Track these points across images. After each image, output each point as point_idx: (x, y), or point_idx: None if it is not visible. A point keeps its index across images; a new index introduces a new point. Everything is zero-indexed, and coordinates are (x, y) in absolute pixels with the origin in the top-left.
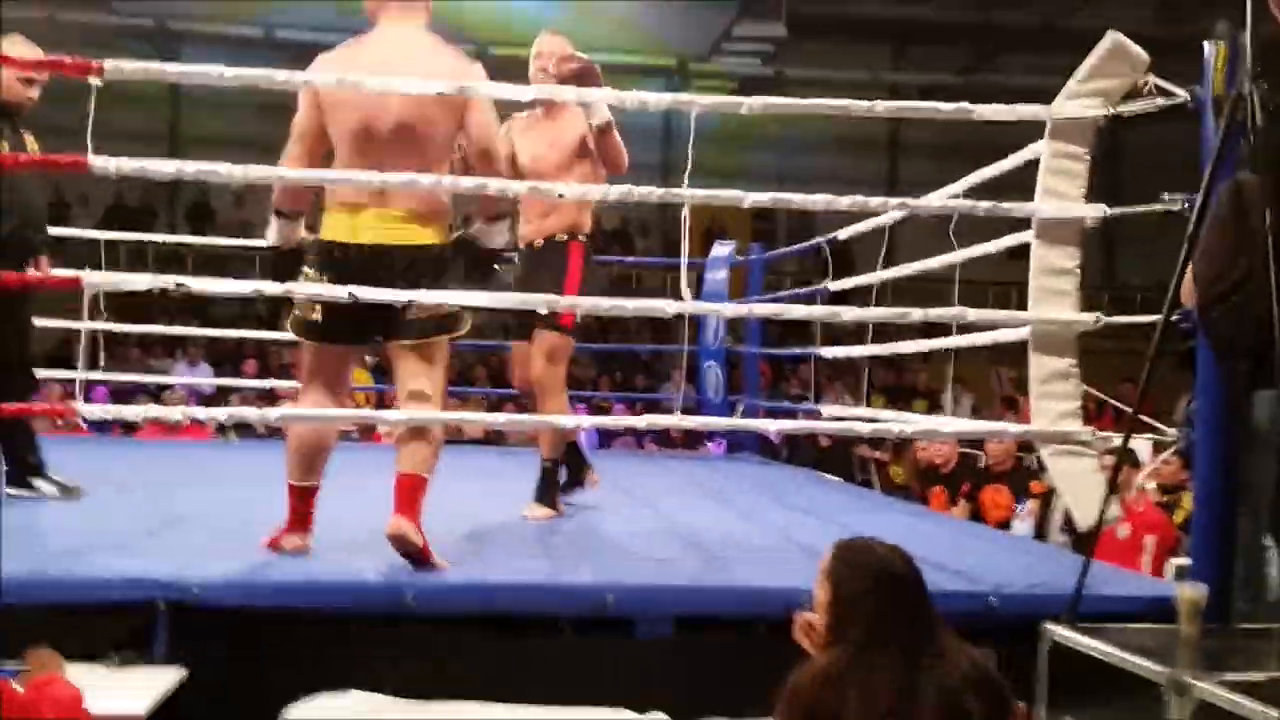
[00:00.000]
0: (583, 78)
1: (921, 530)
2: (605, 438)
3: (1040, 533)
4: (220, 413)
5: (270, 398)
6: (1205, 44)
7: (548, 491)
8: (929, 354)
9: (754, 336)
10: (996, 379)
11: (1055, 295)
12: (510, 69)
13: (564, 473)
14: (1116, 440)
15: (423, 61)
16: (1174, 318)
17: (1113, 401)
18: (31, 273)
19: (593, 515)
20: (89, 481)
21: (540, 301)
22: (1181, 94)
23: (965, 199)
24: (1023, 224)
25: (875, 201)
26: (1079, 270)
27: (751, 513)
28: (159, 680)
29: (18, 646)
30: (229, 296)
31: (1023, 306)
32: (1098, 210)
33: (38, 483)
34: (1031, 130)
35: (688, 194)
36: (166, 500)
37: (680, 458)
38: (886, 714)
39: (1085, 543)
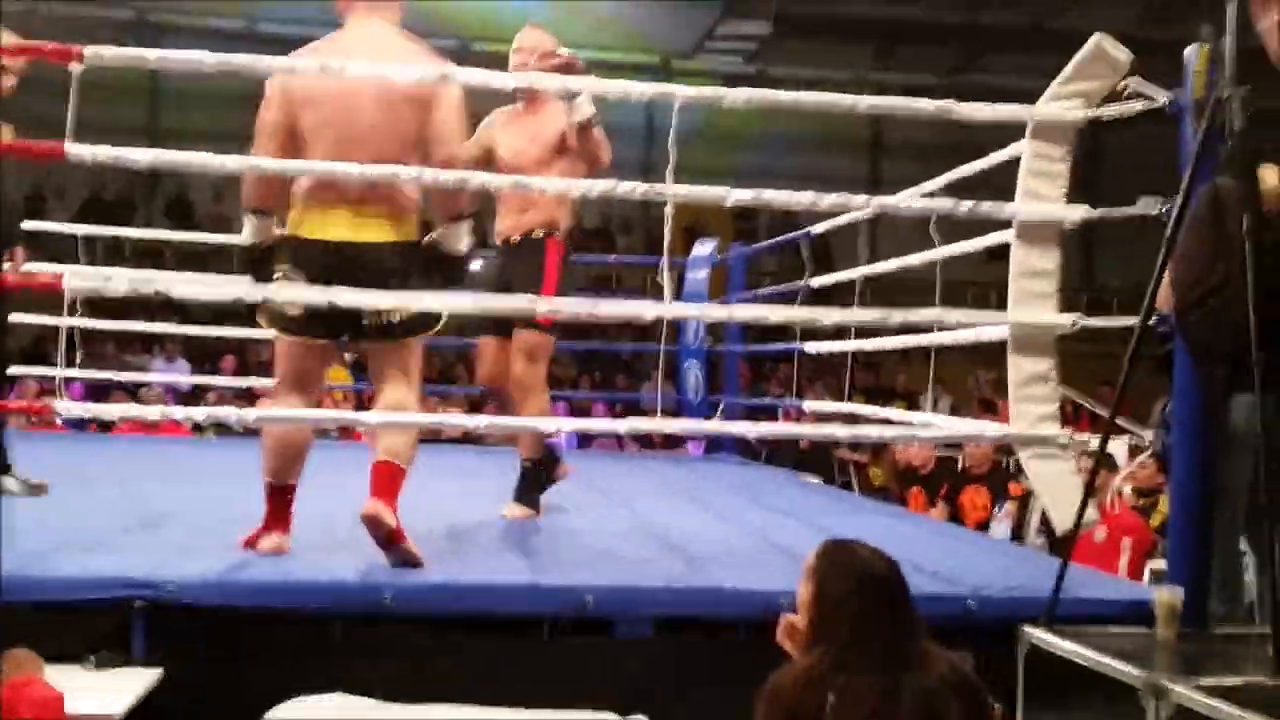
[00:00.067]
0: (566, 73)
1: (900, 532)
2: (584, 438)
3: (1018, 534)
4: (198, 413)
5: (248, 396)
6: (1187, 48)
7: (527, 491)
8: (908, 356)
9: (734, 336)
10: (975, 381)
11: (1035, 297)
12: (494, 65)
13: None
14: (1094, 443)
15: (394, 60)
16: (1151, 321)
17: (1089, 404)
18: (7, 267)
19: (572, 516)
20: (65, 479)
21: (519, 304)
22: (1161, 97)
23: (945, 198)
24: (1002, 224)
25: (857, 200)
26: (1059, 272)
27: (730, 514)
28: (136, 681)
29: None
30: (212, 300)
31: (1002, 307)
32: (1078, 212)
33: (4, 480)
34: (1015, 131)
35: (670, 191)
36: (143, 498)
37: (659, 458)
38: (868, 716)
39: (1063, 545)
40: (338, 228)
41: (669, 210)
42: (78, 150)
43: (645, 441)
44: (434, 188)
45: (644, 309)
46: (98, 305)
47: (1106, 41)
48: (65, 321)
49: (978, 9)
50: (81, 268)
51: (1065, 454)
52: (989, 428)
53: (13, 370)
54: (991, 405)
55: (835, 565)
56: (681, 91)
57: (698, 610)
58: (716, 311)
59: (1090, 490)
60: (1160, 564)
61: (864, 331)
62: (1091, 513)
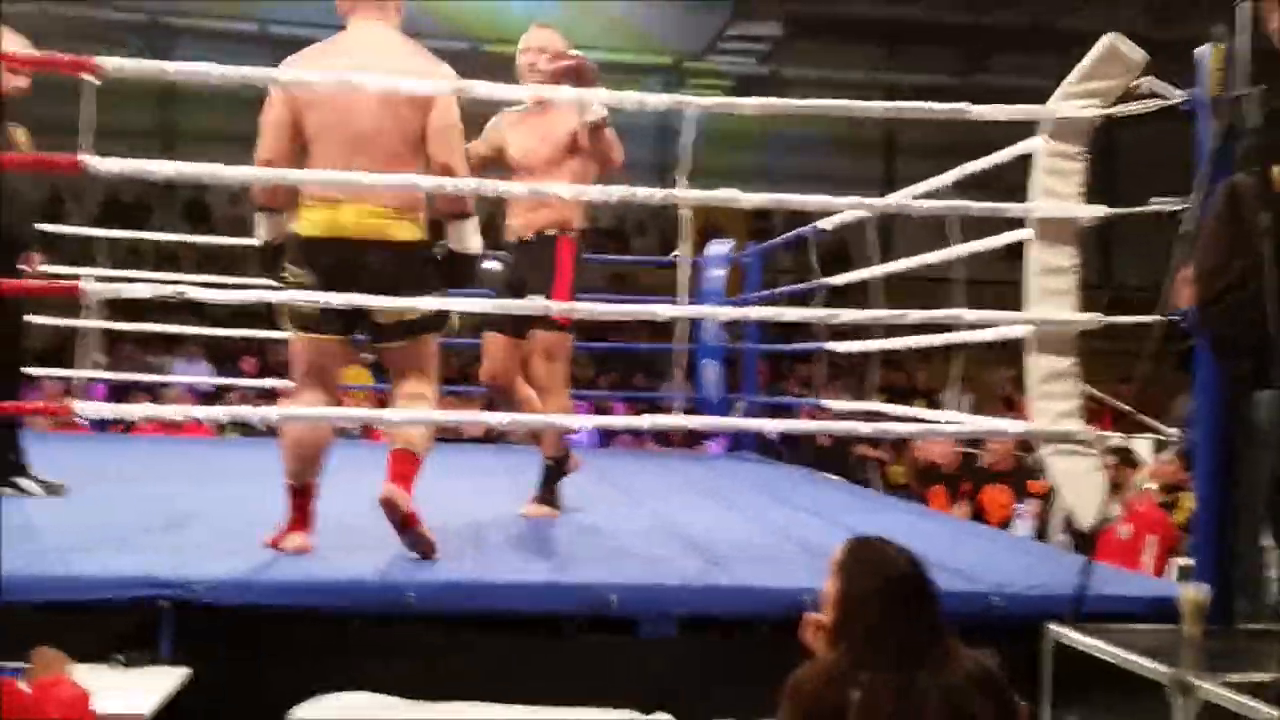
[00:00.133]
0: (577, 75)
1: (922, 529)
2: (605, 437)
3: (1041, 533)
4: (220, 412)
5: (270, 395)
6: (1201, 46)
7: (548, 490)
8: (928, 353)
9: (752, 334)
10: (996, 378)
11: (1053, 295)
12: (503, 66)
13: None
14: (1116, 440)
15: (394, 63)
16: (1172, 317)
17: (1111, 401)
18: (23, 269)
19: (592, 514)
20: (88, 479)
21: (534, 307)
22: (1179, 95)
23: (963, 199)
24: (1016, 223)
25: (873, 202)
26: (1077, 269)
27: (752, 512)
28: (163, 680)
29: (20, 646)
30: (229, 304)
31: (1021, 305)
32: (1096, 210)
33: (22, 482)
34: (1027, 132)
35: (685, 195)
36: (167, 498)
37: (679, 457)
38: (890, 715)
39: (1086, 542)
40: (346, 226)
41: (684, 213)
42: (94, 163)
43: (664, 440)
44: (435, 191)
45: (661, 309)
46: (118, 307)
47: (1120, 41)
48: (86, 324)
49: (988, 9)
50: (100, 271)
51: (1087, 450)
52: (1011, 425)
53: (33, 371)
54: (1013, 403)
55: (860, 563)
56: (695, 102)
57: (722, 609)
58: (734, 311)
59: (1113, 487)
60: (1187, 561)
61: (883, 329)
62: (1115, 509)
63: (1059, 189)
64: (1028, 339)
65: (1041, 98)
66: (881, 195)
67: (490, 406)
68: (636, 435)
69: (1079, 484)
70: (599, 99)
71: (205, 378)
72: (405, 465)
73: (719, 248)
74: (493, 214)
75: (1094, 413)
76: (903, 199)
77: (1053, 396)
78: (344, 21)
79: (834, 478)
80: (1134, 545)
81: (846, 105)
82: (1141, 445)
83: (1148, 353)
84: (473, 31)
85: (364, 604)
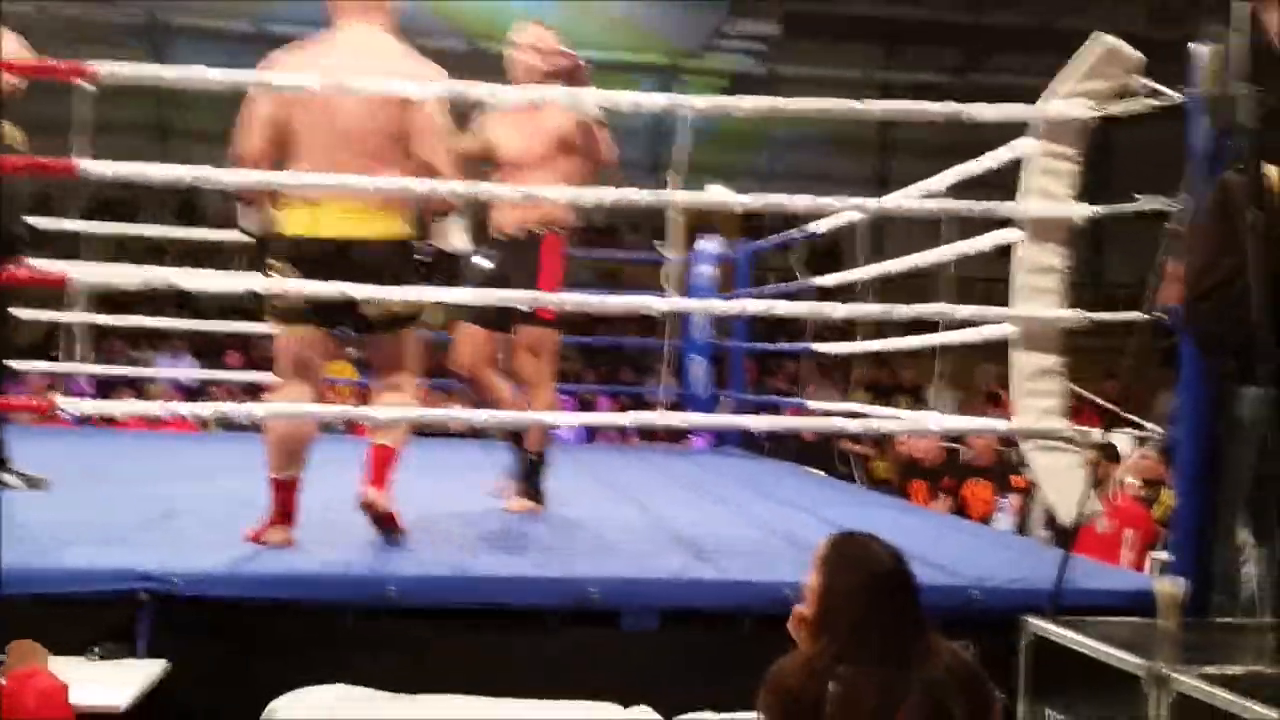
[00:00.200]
0: (570, 74)
1: (903, 524)
2: (590, 431)
3: (1022, 527)
4: (204, 409)
5: (254, 390)
6: (1196, 46)
7: (531, 484)
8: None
9: (740, 331)
10: (981, 375)
11: (1040, 293)
12: (501, 65)
13: (515, 461)
14: (1098, 436)
15: (380, 63)
16: (1157, 314)
17: (1095, 399)
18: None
19: (576, 508)
20: (71, 473)
21: (523, 299)
22: (1173, 95)
23: (955, 199)
24: (1010, 221)
25: (866, 202)
26: (1065, 268)
27: (735, 506)
28: (141, 673)
29: None
30: (217, 293)
31: (1007, 302)
32: (1085, 209)
33: (3, 475)
34: (1022, 131)
35: (675, 197)
36: (149, 493)
37: (664, 451)
38: (870, 709)
39: (1066, 537)
40: (329, 224)
41: (672, 214)
42: (90, 166)
43: (649, 435)
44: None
45: (651, 303)
46: (104, 301)
47: (1113, 41)
48: (71, 317)
49: (986, 9)
50: (88, 264)
51: (1069, 447)
52: (994, 422)
53: (18, 365)
54: (997, 399)
55: (842, 558)
56: (690, 103)
57: (704, 602)
58: (723, 304)
59: (1093, 482)
60: (1163, 555)
61: (871, 328)
62: (1094, 504)
63: (1052, 189)
64: (1013, 336)
65: (1040, 97)
66: (877, 194)
67: (472, 400)
68: (622, 430)
69: (1060, 480)
70: (597, 99)
71: (190, 371)
72: (383, 465)
73: (708, 245)
74: (479, 211)
75: (1079, 409)
76: (893, 200)
77: (1037, 394)
78: (329, 20)
79: (818, 472)
80: (1113, 540)
81: (841, 105)
82: (1124, 441)
83: (1132, 349)
84: (471, 30)
85: (345, 597)
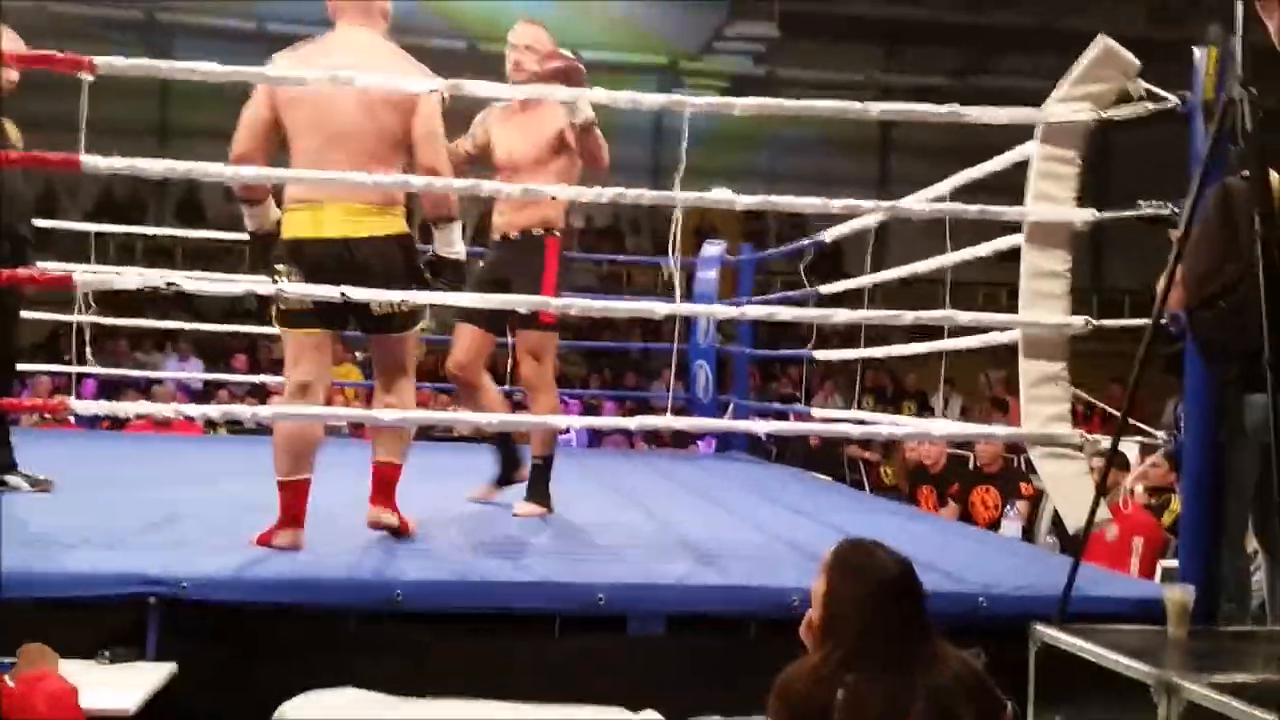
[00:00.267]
0: (567, 76)
1: (910, 530)
2: (595, 436)
3: (1029, 534)
4: (212, 410)
5: (260, 393)
6: (1195, 49)
7: (538, 489)
8: (919, 354)
9: (744, 336)
10: (985, 380)
11: (1045, 298)
12: (501, 65)
13: (497, 466)
14: (1105, 443)
15: (375, 66)
16: (1162, 321)
17: (1101, 405)
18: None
19: (583, 514)
20: (78, 476)
21: (526, 302)
22: (1172, 99)
23: (955, 201)
24: (1013, 226)
25: (867, 204)
26: (1069, 273)
27: (742, 512)
28: (150, 676)
29: (8, 642)
30: (220, 296)
31: (1013, 308)
32: (1087, 214)
33: (9, 478)
34: (1024, 132)
35: (679, 197)
36: (157, 496)
37: (670, 456)
38: (876, 715)
39: (1074, 544)
40: (330, 225)
41: (677, 214)
42: (92, 161)
43: (656, 440)
44: (424, 191)
45: (655, 307)
46: (110, 303)
47: (1111, 44)
48: (78, 318)
49: (985, 9)
50: (93, 266)
51: (1077, 453)
52: (1001, 428)
53: (24, 367)
54: (1002, 404)
55: (849, 565)
56: (690, 102)
57: (710, 607)
58: (728, 310)
59: (1102, 489)
60: (1172, 563)
61: (874, 333)
62: (1103, 512)
63: (1053, 192)
64: (1020, 342)
65: (1041, 99)
66: (877, 196)
67: (462, 401)
68: (627, 435)
69: (1068, 487)
70: (590, 98)
71: (196, 374)
72: (387, 483)
73: (712, 249)
74: (483, 214)
75: (1085, 415)
76: (897, 202)
77: (1043, 399)
78: (331, 21)
79: (824, 478)
80: (1121, 547)
81: (841, 106)
82: (1131, 448)
83: (1137, 356)
84: (471, 30)
85: (353, 601)
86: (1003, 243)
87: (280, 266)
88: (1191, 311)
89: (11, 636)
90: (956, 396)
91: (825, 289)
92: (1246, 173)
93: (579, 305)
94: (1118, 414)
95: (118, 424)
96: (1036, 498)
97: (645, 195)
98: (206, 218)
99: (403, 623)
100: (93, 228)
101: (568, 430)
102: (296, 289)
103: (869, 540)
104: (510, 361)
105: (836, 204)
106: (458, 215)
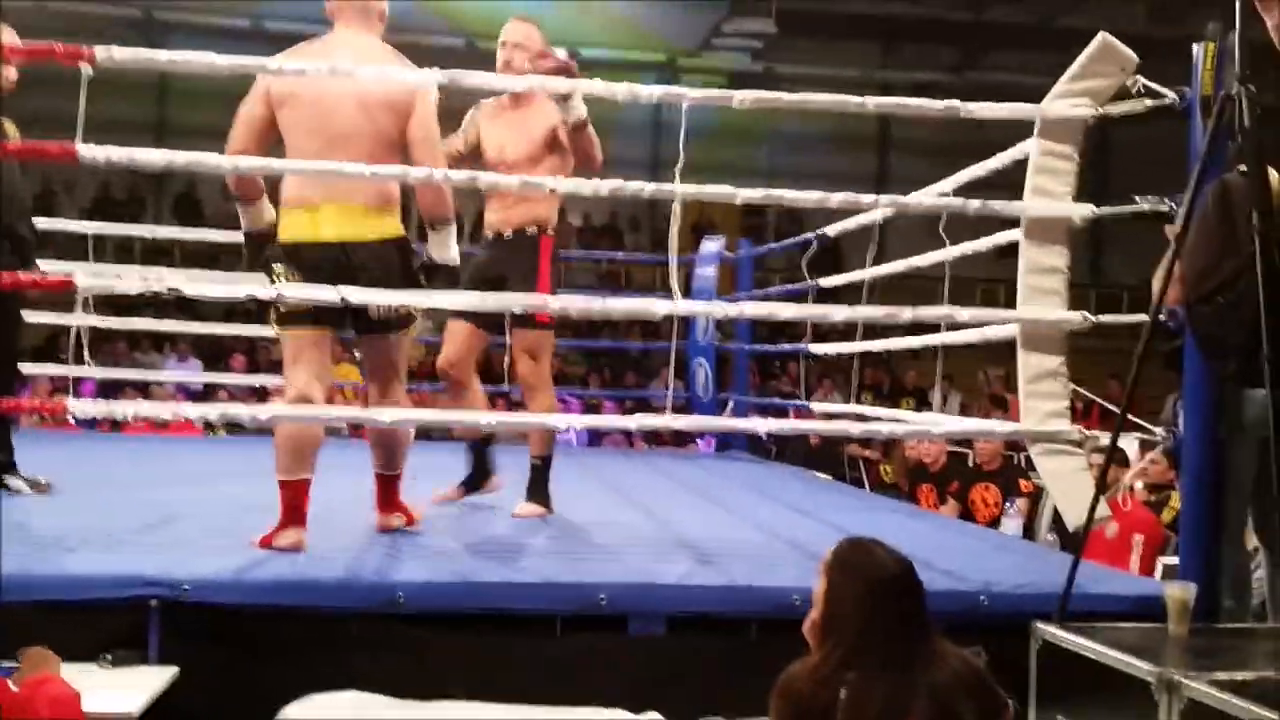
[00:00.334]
0: (560, 75)
1: (911, 528)
2: (595, 435)
3: (1029, 531)
4: (212, 411)
5: (260, 393)
6: (1194, 45)
7: (538, 489)
8: (918, 352)
9: (743, 334)
10: (984, 377)
11: (1044, 294)
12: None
13: (469, 469)
14: (1104, 439)
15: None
16: (1160, 317)
17: (1100, 401)
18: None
19: (583, 514)
20: (77, 478)
21: (525, 301)
22: (1170, 94)
23: (955, 196)
24: (1011, 222)
25: (866, 199)
26: (1068, 269)
27: (742, 511)
28: (152, 679)
29: (9, 645)
30: (220, 299)
31: (1011, 305)
32: (1085, 210)
33: (9, 480)
34: (1022, 129)
35: (679, 190)
36: (157, 497)
37: (670, 455)
38: (878, 714)
39: (1074, 541)
40: (327, 226)
41: (676, 207)
42: (90, 151)
43: (655, 439)
44: (419, 191)
45: (654, 305)
46: (108, 304)
47: (1110, 39)
48: (77, 320)
49: (984, 6)
50: (91, 265)
51: (1076, 450)
52: (1000, 425)
53: (24, 368)
54: (1001, 401)
55: (847, 565)
56: (688, 94)
57: (711, 607)
58: (727, 308)
59: (1101, 486)
60: (1172, 560)
61: (873, 329)
62: (1102, 509)
63: (1051, 188)
64: (1019, 338)
65: (1040, 96)
66: (876, 192)
67: (451, 398)
68: (627, 434)
69: (1067, 483)
70: (586, 92)
71: (195, 376)
72: (390, 490)
73: (711, 246)
74: (480, 212)
75: (1084, 411)
76: (896, 197)
77: (1042, 395)
78: (330, 23)
79: (824, 476)
80: (1121, 544)
81: (840, 100)
82: (1130, 444)
83: (1136, 352)
84: (470, 28)
85: (354, 603)
86: (1001, 238)
87: (278, 268)
88: (1190, 307)
89: (13, 640)
90: (955, 394)
91: (825, 282)
92: (1244, 168)
93: (578, 304)
94: (1117, 410)
95: (116, 425)
96: (1036, 495)
97: (644, 188)
98: (204, 215)
99: (404, 624)
100: (91, 227)
101: (567, 430)
102: (295, 291)
103: (869, 539)
104: (507, 361)
105: (836, 198)
106: (454, 218)
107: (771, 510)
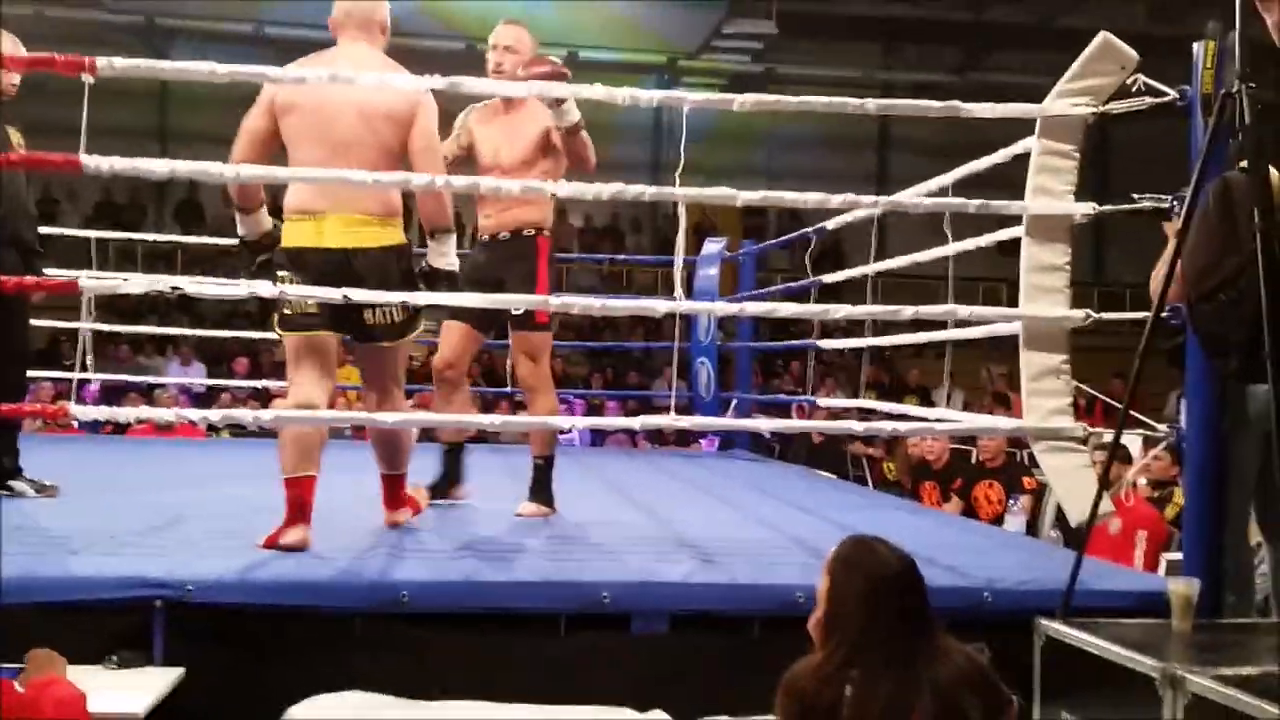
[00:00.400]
0: (554, 81)
1: (915, 526)
2: (598, 435)
3: (1032, 528)
4: (214, 414)
5: (262, 396)
6: (1194, 44)
7: (541, 489)
8: (921, 351)
9: (745, 333)
10: (987, 375)
11: (1046, 292)
12: None
13: (440, 471)
14: (1107, 436)
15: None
16: (1163, 314)
17: (1103, 397)
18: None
19: (586, 513)
20: (81, 481)
21: (526, 302)
22: (1170, 93)
23: (955, 196)
24: (1012, 220)
25: (866, 200)
26: (1069, 267)
27: (745, 509)
28: (158, 680)
29: (15, 647)
30: (223, 299)
31: (1013, 302)
32: (1086, 208)
33: (14, 483)
34: (1022, 128)
35: (680, 193)
36: (160, 499)
37: (673, 455)
38: (882, 710)
39: (1077, 538)
40: (331, 235)
41: (681, 210)
42: (94, 162)
43: (658, 438)
44: (420, 200)
45: (657, 305)
46: (111, 308)
47: (1110, 38)
48: (80, 325)
49: (985, 6)
50: (94, 271)
51: (1079, 447)
52: (1002, 421)
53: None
54: (1004, 399)
55: (852, 563)
56: (688, 98)
57: (714, 606)
58: (729, 307)
59: (1104, 483)
60: (1175, 556)
61: (877, 328)
62: (1105, 505)
63: (1052, 186)
64: (1021, 336)
65: (1040, 96)
66: (876, 192)
67: (442, 399)
68: (630, 434)
69: (1070, 480)
70: (588, 97)
71: (198, 379)
72: (396, 490)
73: (713, 246)
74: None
75: (1087, 408)
76: (897, 197)
77: (1045, 393)
78: (333, 36)
79: (827, 475)
80: (1124, 540)
81: (840, 101)
82: (1133, 441)
83: (1138, 350)
84: (469, 31)
85: (359, 603)
86: (1003, 235)
87: (282, 273)
88: (1192, 305)
89: (19, 642)
90: (958, 392)
91: (827, 278)
92: (1245, 165)
93: (579, 304)
94: (1119, 407)
95: (120, 429)
96: (1039, 492)
97: (644, 192)
98: (206, 220)
99: (408, 624)
100: (93, 234)
101: (570, 430)
102: (298, 291)
103: (871, 537)
104: (510, 363)
105: (836, 199)
106: (454, 226)
107: (774, 509)
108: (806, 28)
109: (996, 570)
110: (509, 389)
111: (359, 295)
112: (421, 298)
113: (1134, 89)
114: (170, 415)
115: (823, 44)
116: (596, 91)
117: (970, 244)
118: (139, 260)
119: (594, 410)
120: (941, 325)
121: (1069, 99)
